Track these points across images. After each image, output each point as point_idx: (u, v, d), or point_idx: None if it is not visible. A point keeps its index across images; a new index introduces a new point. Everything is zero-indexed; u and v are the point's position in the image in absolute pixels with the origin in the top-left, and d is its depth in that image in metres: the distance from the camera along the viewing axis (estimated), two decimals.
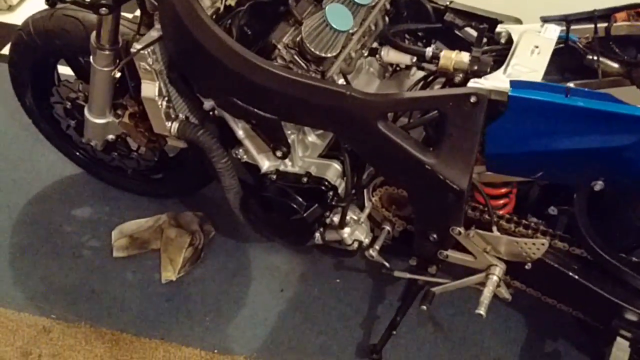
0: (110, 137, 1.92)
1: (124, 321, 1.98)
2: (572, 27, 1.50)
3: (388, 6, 1.64)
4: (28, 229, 2.23)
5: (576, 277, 1.53)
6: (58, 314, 1.99)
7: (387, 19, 1.66)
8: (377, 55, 1.64)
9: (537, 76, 1.33)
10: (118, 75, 1.75)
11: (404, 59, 1.61)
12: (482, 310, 1.52)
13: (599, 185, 1.33)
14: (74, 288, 2.06)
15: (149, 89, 1.58)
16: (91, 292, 2.05)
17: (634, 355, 1.53)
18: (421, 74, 1.63)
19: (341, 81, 1.57)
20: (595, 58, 1.48)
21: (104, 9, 1.44)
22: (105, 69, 1.69)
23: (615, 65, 1.51)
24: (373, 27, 1.60)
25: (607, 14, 1.50)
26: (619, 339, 1.53)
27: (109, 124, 1.86)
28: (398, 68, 1.72)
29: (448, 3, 1.64)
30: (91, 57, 1.69)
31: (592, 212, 1.48)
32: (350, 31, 1.44)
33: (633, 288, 1.51)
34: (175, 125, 1.65)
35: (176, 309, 2.01)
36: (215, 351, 1.90)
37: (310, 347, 1.91)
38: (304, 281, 2.08)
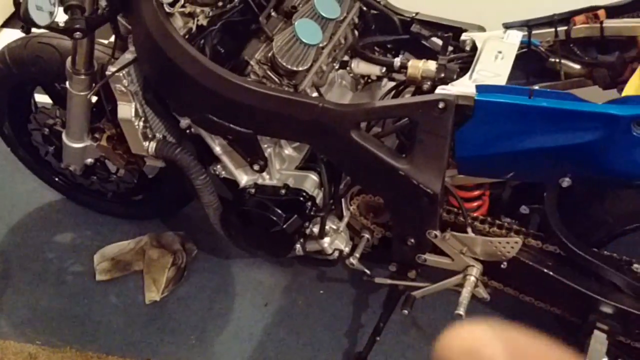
0: (89, 161, 1.94)
1: (109, 344, 1.98)
2: (534, 31, 1.56)
3: (356, 20, 1.69)
4: (10, 256, 2.23)
5: (551, 273, 1.57)
6: (43, 340, 1.99)
7: (356, 32, 1.71)
8: (348, 68, 1.68)
9: (501, 80, 1.38)
10: (94, 99, 1.78)
11: (374, 69, 1.66)
12: (461, 311, 1.56)
13: (566, 182, 1.38)
14: (58, 313, 2.06)
15: (126, 110, 1.61)
16: (75, 317, 2.05)
17: (612, 347, 1.56)
18: (392, 84, 1.68)
19: (314, 94, 1.61)
20: (557, 60, 1.54)
21: (78, 33, 1.46)
22: (82, 93, 1.71)
23: (577, 66, 1.56)
24: (343, 41, 1.65)
25: (567, 18, 1.56)
26: (596, 332, 1.56)
27: (87, 148, 1.88)
28: (369, 80, 1.77)
29: (414, 15, 1.69)
30: (67, 83, 1.71)
31: (562, 208, 1.52)
32: (321, 45, 1.48)
33: (607, 281, 1.55)
34: (153, 145, 1.67)
35: (161, 329, 2.02)
36: None
37: (297, 359, 1.93)
38: (288, 294, 2.10)
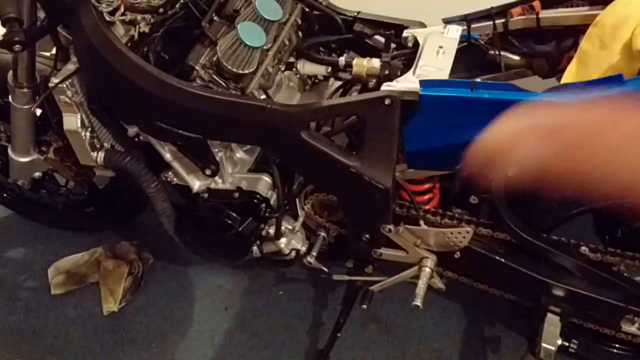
0: (37, 174, 1.89)
1: (69, 357, 1.96)
2: (473, 25, 1.59)
3: (299, 21, 1.70)
4: None
5: (502, 260, 1.60)
6: (1, 358, 1.95)
7: (300, 33, 1.72)
8: (294, 69, 1.69)
9: (444, 74, 1.40)
10: (39, 112, 1.75)
11: (320, 69, 1.67)
12: (418, 302, 1.58)
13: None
14: (14, 330, 2.03)
15: (71, 121, 1.59)
16: (33, 332, 2.02)
17: (565, 329, 1.61)
18: (339, 83, 1.69)
19: (263, 97, 1.61)
20: (497, 53, 1.58)
21: (17, 46, 1.44)
22: (25, 106, 1.67)
23: (516, 57, 1.60)
24: (287, 42, 1.65)
25: (504, 10, 1.60)
26: (549, 314, 1.60)
27: (34, 162, 1.84)
28: (316, 80, 1.78)
29: (356, 14, 1.71)
30: (10, 97, 1.68)
31: (510, 197, 1.56)
32: (265, 47, 1.48)
33: (557, 265, 1.59)
34: (101, 155, 1.65)
35: (121, 340, 2.00)
36: None
37: None
38: (247, 297, 2.10)
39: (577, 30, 1.54)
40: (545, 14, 1.56)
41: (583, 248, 1.53)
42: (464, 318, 2.01)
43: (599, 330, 1.65)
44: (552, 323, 1.59)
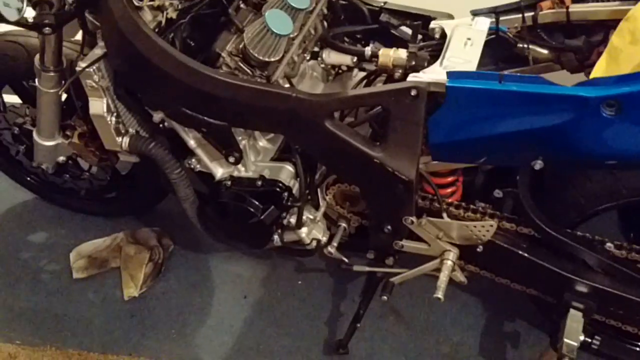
0: (61, 159, 1.92)
1: (89, 341, 1.97)
2: (501, 18, 1.57)
3: (325, 10, 1.69)
4: None
5: (526, 255, 1.59)
6: (23, 340, 1.98)
7: (325, 23, 1.71)
8: (319, 58, 1.68)
9: (471, 66, 1.39)
10: (64, 96, 1.76)
11: (345, 59, 1.66)
12: (439, 294, 1.57)
13: (538, 165, 1.39)
14: (36, 313, 2.05)
15: (97, 106, 1.60)
16: (54, 315, 2.04)
17: (588, 326, 1.59)
18: (362, 74, 1.68)
19: (286, 85, 1.61)
20: (525, 46, 1.56)
21: (47, 28, 1.45)
22: (51, 90, 1.69)
23: (545, 51, 1.59)
24: (313, 32, 1.64)
25: (533, 3, 1.58)
26: (572, 310, 1.59)
27: (58, 146, 1.86)
28: (340, 70, 1.77)
29: (383, 4, 1.70)
30: (36, 80, 1.69)
31: (535, 191, 1.55)
32: (291, 35, 1.48)
33: (580, 261, 1.58)
34: (126, 140, 1.66)
35: (141, 324, 2.01)
36: None
37: (278, 349, 1.94)
38: (267, 286, 2.11)
39: (607, 25, 1.52)
40: (575, 8, 1.54)
41: (608, 245, 1.52)
42: (483, 312, 2.00)
43: (621, 328, 1.64)
44: (575, 319, 1.58)
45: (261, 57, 1.44)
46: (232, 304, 2.06)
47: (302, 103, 1.41)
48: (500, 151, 1.42)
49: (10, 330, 2.00)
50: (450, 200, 1.62)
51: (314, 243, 1.75)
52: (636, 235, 1.76)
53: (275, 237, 1.72)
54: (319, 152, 1.55)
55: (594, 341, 1.61)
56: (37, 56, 1.64)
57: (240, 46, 1.46)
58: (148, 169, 1.77)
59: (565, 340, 1.55)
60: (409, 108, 1.36)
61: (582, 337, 1.55)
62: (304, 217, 1.68)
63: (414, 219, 1.56)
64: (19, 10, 1.44)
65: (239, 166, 1.64)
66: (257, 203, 1.62)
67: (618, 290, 1.55)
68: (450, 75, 1.32)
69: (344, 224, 1.78)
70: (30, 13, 1.46)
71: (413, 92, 1.33)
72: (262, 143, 1.68)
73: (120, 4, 1.41)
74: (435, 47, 1.50)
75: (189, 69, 1.42)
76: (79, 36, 1.64)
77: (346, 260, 1.81)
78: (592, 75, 1.35)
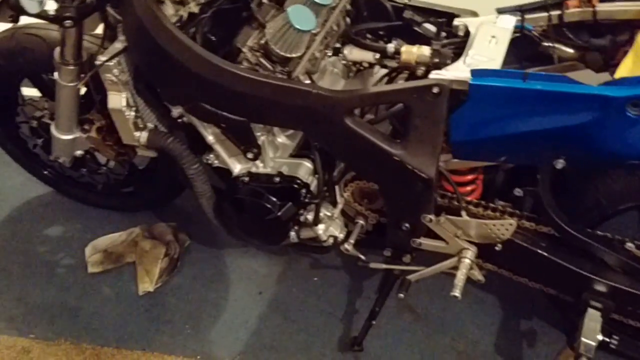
0: (79, 152, 1.92)
1: (104, 335, 1.98)
2: (527, 16, 1.57)
3: (348, 7, 1.69)
4: (0, 250, 2.22)
5: (545, 254, 1.58)
6: (37, 334, 1.98)
7: (348, 19, 1.70)
8: (341, 54, 1.68)
9: (495, 64, 1.39)
10: (83, 90, 1.77)
11: (367, 56, 1.66)
12: (457, 292, 1.57)
13: (560, 164, 1.39)
14: (51, 306, 2.05)
15: (116, 100, 1.60)
16: (69, 309, 2.04)
17: (606, 325, 1.58)
18: (384, 71, 1.68)
19: (307, 81, 1.61)
20: (551, 45, 1.55)
21: (68, 21, 1.46)
22: (71, 84, 1.69)
23: (570, 50, 1.58)
24: (335, 28, 1.64)
25: (559, 2, 1.58)
26: (590, 310, 1.58)
27: (76, 140, 1.86)
28: (361, 67, 1.76)
29: (407, 1, 1.69)
30: (56, 74, 1.69)
31: (556, 190, 1.54)
32: (313, 31, 1.47)
33: (600, 260, 1.57)
34: (145, 134, 1.67)
35: (156, 319, 2.02)
36: (198, 357, 1.92)
37: (293, 345, 1.94)
38: (282, 282, 2.11)
39: (633, 25, 1.51)
40: (602, 7, 1.53)
41: (629, 244, 1.52)
42: (500, 310, 1.99)
43: None
44: (593, 319, 1.57)
45: (282, 53, 1.43)
46: (247, 299, 2.06)
47: (323, 99, 1.40)
48: (521, 150, 1.41)
49: (24, 324, 2.00)
50: (469, 198, 1.61)
51: (331, 240, 1.74)
52: None
53: (292, 233, 1.71)
54: (338, 149, 1.54)
55: (612, 341, 1.60)
56: (57, 49, 1.64)
57: (262, 42, 1.46)
58: (165, 164, 1.77)
59: (583, 339, 1.54)
60: (431, 105, 1.35)
61: (600, 337, 1.54)
62: (321, 214, 1.67)
63: (432, 217, 1.56)
64: (40, 2, 1.44)
65: (257, 162, 1.64)
66: (274, 199, 1.61)
67: (637, 290, 1.54)
68: (474, 73, 1.31)
69: (361, 221, 1.77)
70: (51, 6, 1.46)
71: (435, 90, 1.32)
72: (281, 139, 1.68)
73: None
74: (459, 44, 1.49)
75: (209, 64, 1.41)
76: (99, 30, 1.64)
77: (363, 257, 1.80)
78: (617, 75, 1.34)
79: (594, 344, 1.53)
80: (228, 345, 1.95)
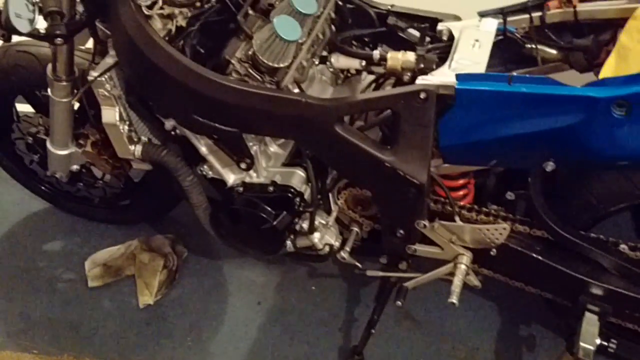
0: (75, 167, 1.93)
1: (106, 349, 1.98)
2: (509, 18, 1.57)
3: (333, 15, 1.69)
4: (1, 267, 2.23)
5: (540, 257, 1.57)
6: (39, 349, 1.99)
7: (333, 27, 1.71)
8: (328, 62, 1.68)
9: (480, 68, 1.39)
10: (77, 105, 1.78)
11: (354, 63, 1.66)
12: (454, 299, 1.56)
13: (550, 166, 1.39)
14: (52, 322, 2.06)
15: (110, 114, 1.62)
16: (70, 324, 2.05)
17: (604, 329, 1.57)
18: (371, 77, 1.68)
19: (296, 91, 1.61)
20: (534, 46, 1.56)
21: (59, 39, 1.47)
22: (64, 99, 1.71)
23: (553, 51, 1.58)
24: (321, 36, 1.65)
25: (541, 3, 1.58)
26: (587, 313, 1.57)
27: (72, 155, 1.88)
28: (349, 74, 1.77)
29: (390, 7, 1.69)
30: (49, 90, 1.71)
31: (548, 193, 1.53)
32: (300, 41, 1.48)
33: (595, 263, 1.56)
34: (139, 148, 1.68)
35: (157, 332, 2.02)
36: None
37: (293, 356, 1.94)
38: (280, 292, 2.11)
39: (615, 24, 1.51)
40: (583, 7, 1.53)
41: (622, 246, 1.51)
42: (499, 316, 1.98)
43: (638, 331, 1.61)
44: (590, 323, 1.56)
45: (270, 63, 1.44)
46: (246, 310, 2.06)
47: (312, 108, 1.41)
48: (511, 153, 1.41)
49: (27, 340, 2.01)
50: (462, 203, 1.61)
51: (327, 248, 1.74)
52: None
53: (288, 242, 1.72)
54: (329, 156, 1.55)
55: (611, 344, 1.59)
56: (49, 66, 1.66)
57: (250, 52, 1.46)
58: (161, 176, 1.78)
59: (582, 344, 1.53)
60: (419, 111, 1.35)
61: (598, 341, 1.53)
62: (316, 222, 1.68)
63: (426, 222, 1.55)
64: (31, 21, 1.46)
65: (251, 172, 1.65)
66: (269, 209, 1.62)
67: (633, 292, 1.53)
68: (460, 77, 1.32)
69: (356, 229, 1.77)
70: (41, 24, 1.48)
71: (422, 95, 1.33)
72: (273, 148, 1.69)
73: (130, 12, 1.43)
74: (444, 49, 1.49)
75: (199, 76, 1.42)
76: (89, 44, 1.65)
77: (359, 265, 1.80)
78: (601, 75, 1.34)
79: (592, 348, 1.53)
80: (228, 357, 1.95)
